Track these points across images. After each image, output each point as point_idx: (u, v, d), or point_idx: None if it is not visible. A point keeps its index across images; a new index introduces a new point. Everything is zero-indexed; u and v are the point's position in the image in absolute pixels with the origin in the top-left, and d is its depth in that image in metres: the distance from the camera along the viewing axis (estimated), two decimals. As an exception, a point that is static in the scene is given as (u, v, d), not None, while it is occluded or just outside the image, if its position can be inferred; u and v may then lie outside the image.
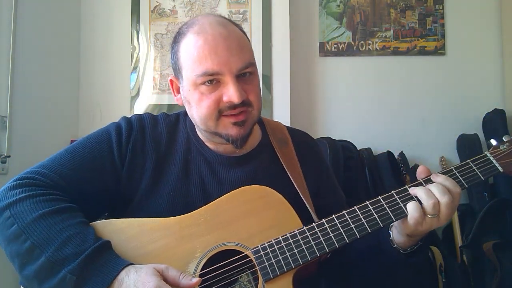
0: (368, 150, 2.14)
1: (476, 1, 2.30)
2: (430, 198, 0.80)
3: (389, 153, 2.12)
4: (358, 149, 2.12)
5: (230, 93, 0.87)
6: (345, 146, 2.08)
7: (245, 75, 0.90)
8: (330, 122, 2.30)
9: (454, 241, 1.98)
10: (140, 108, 2.11)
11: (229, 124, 0.90)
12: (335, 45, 2.31)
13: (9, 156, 1.62)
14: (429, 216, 0.80)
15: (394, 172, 2.07)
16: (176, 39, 0.94)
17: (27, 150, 1.71)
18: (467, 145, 2.12)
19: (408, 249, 0.86)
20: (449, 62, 2.29)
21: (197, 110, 0.91)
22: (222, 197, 0.88)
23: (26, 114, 1.74)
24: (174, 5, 2.15)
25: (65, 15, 2.08)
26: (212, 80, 0.87)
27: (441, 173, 0.85)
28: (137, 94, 2.13)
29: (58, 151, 0.93)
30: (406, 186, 0.85)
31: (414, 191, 0.83)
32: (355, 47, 2.31)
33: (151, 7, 2.15)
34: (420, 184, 0.84)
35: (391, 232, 0.87)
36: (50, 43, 1.93)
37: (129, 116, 1.01)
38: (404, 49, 2.30)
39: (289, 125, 1.13)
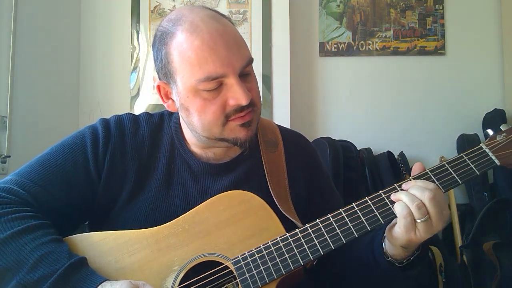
0: (368, 150, 2.14)
1: (476, 1, 2.30)
2: (413, 199, 0.73)
3: (389, 153, 2.12)
4: (358, 149, 2.12)
5: (238, 95, 0.80)
6: (345, 146, 2.08)
7: (246, 73, 0.83)
8: (330, 122, 2.29)
9: (454, 241, 1.98)
10: (140, 108, 2.11)
11: (236, 127, 0.83)
12: (335, 45, 2.31)
13: (9, 156, 1.62)
14: (418, 220, 0.73)
15: (394, 172, 2.07)
16: (162, 40, 0.83)
17: (27, 150, 1.70)
18: (467, 145, 2.12)
19: (404, 261, 0.79)
20: (449, 62, 2.29)
21: (200, 118, 0.83)
22: (201, 204, 0.84)
23: (26, 114, 1.74)
24: (174, 5, 2.15)
25: (65, 15, 2.08)
26: (216, 84, 0.80)
27: (432, 169, 0.80)
28: (137, 94, 2.13)
29: (29, 161, 0.87)
30: (396, 184, 0.79)
31: (396, 196, 0.76)
32: (355, 47, 2.31)
33: (151, 7, 2.15)
34: (394, 189, 0.78)
35: (384, 244, 0.81)
36: (50, 43, 1.93)
37: (108, 118, 0.93)
38: (404, 49, 2.30)
39: (289, 125, 1.08)
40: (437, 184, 0.77)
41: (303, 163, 0.99)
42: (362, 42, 2.31)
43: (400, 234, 0.74)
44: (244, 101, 0.80)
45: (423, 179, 0.78)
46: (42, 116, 1.85)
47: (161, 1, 2.15)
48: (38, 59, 1.84)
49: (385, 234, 0.80)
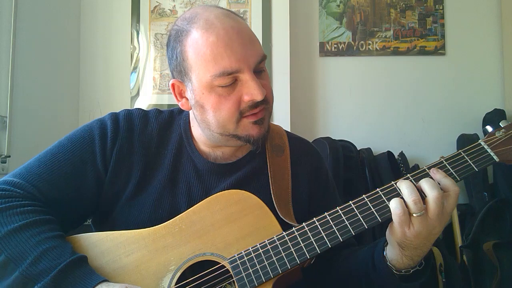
0: (368, 150, 2.14)
1: (476, 1, 2.30)
2: (412, 194, 0.72)
3: (389, 153, 2.12)
4: (358, 149, 2.12)
5: (252, 90, 0.80)
6: (345, 146, 2.08)
7: (259, 70, 0.84)
8: (330, 122, 2.29)
9: (454, 241, 1.98)
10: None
11: (249, 124, 0.84)
12: (335, 45, 2.31)
13: (9, 156, 1.62)
14: (414, 215, 0.72)
15: (394, 172, 2.06)
16: (177, 38, 0.84)
17: (27, 150, 1.71)
18: (467, 145, 2.11)
19: (403, 271, 0.78)
20: (449, 62, 2.29)
21: (215, 114, 0.83)
22: (198, 204, 0.84)
23: (26, 114, 1.74)
24: (174, 5, 2.15)
25: (65, 15, 2.08)
26: (231, 79, 0.80)
27: (430, 166, 0.78)
28: (137, 94, 2.13)
29: (37, 155, 0.88)
30: (393, 182, 0.78)
31: (399, 184, 0.76)
32: (355, 47, 2.31)
33: (151, 7, 2.15)
34: (391, 187, 0.76)
35: (385, 248, 0.80)
36: (50, 43, 1.93)
37: (117, 112, 0.93)
38: (404, 49, 2.30)
39: (289, 125, 1.07)
40: (436, 185, 0.75)
41: (309, 172, 0.98)
42: (362, 42, 2.31)
43: (395, 228, 0.74)
44: (259, 97, 0.80)
45: (422, 175, 0.77)
46: (42, 116, 1.85)
47: (161, 1, 2.15)
48: (38, 59, 1.84)
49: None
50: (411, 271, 0.78)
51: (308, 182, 0.97)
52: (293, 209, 0.91)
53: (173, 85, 0.89)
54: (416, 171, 0.79)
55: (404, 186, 0.74)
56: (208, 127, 0.86)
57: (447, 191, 0.74)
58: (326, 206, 0.83)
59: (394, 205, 0.73)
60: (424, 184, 0.74)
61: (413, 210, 0.72)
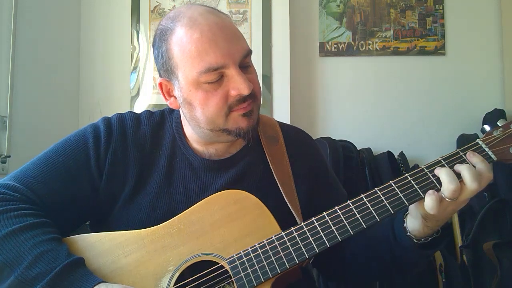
0: (368, 150, 2.14)
1: (476, 1, 2.30)
2: (452, 183, 0.72)
3: (389, 153, 2.11)
4: (358, 149, 2.12)
5: (239, 85, 0.81)
6: (345, 146, 2.08)
7: (245, 65, 0.85)
8: (330, 122, 2.29)
9: (454, 241, 1.98)
10: (140, 108, 2.11)
11: (238, 117, 0.84)
12: (335, 45, 2.31)
13: (9, 156, 1.62)
14: (447, 200, 0.74)
15: (394, 172, 2.06)
16: (162, 37, 0.84)
17: (27, 150, 1.70)
18: (467, 145, 2.11)
19: (422, 239, 0.81)
20: (449, 62, 2.29)
21: (203, 111, 0.83)
22: (196, 204, 0.84)
23: (26, 114, 1.74)
24: (174, 5, 2.15)
25: (65, 15, 2.08)
26: (217, 75, 0.81)
27: (428, 165, 0.78)
28: (137, 94, 2.13)
29: (32, 159, 0.88)
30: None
31: (438, 171, 0.75)
32: (355, 47, 2.31)
33: (151, 7, 2.15)
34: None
35: (405, 220, 0.82)
36: (50, 43, 1.93)
37: (110, 117, 0.94)
38: (404, 49, 2.30)
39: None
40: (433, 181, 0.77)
41: (305, 159, 0.99)
42: (362, 42, 2.31)
43: (423, 205, 0.75)
44: (246, 91, 0.81)
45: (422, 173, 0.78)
46: (42, 116, 1.85)
47: (161, 1, 2.15)
48: (38, 59, 1.84)
49: (407, 212, 0.82)
50: (429, 238, 0.82)
51: (306, 171, 0.97)
52: (296, 191, 0.93)
53: (160, 84, 0.89)
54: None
55: (444, 173, 0.74)
56: (197, 124, 0.86)
57: (480, 175, 0.75)
58: (327, 190, 0.85)
59: (428, 199, 0.74)
60: (466, 173, 0.74)
61: (449, 197, 0.73)
